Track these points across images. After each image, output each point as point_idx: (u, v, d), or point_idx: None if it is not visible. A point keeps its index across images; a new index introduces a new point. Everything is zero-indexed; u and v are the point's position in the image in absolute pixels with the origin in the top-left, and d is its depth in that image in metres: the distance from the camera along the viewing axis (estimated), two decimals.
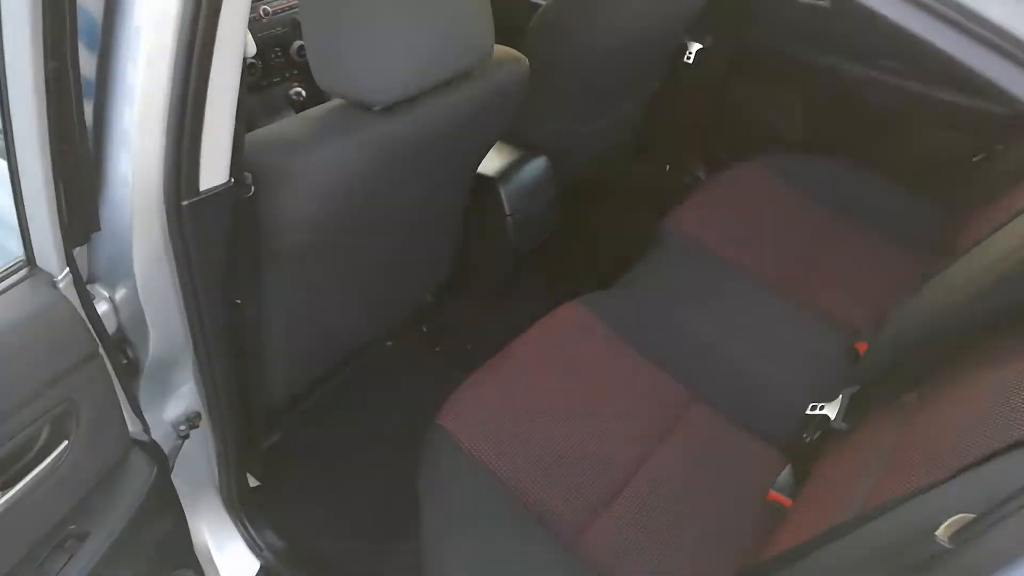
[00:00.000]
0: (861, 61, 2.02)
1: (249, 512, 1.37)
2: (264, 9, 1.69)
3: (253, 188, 1.06)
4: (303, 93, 1.76)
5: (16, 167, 0.81)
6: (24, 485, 0.84)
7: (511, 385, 1.40)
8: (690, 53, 2.09)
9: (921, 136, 2.03)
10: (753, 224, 1.85)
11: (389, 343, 1.93)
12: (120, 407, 0.98)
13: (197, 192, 0.94)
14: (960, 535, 0.57)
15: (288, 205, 1.11)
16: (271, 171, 1.08)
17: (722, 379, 1.49)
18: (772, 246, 1.80)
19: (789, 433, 1.37)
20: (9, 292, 0.82)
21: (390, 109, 1.12)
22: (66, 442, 0.88)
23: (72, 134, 0.81)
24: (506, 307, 1.98)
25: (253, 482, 1.46)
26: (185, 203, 0.93)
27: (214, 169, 0.95)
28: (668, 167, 2.40)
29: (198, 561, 1.24)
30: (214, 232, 1.02)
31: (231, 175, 0.99)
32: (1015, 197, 1.61)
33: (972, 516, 0.59)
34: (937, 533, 0.58)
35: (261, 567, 1.36)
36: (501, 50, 1.31)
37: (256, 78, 1.68)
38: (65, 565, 0.89)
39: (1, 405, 0.80)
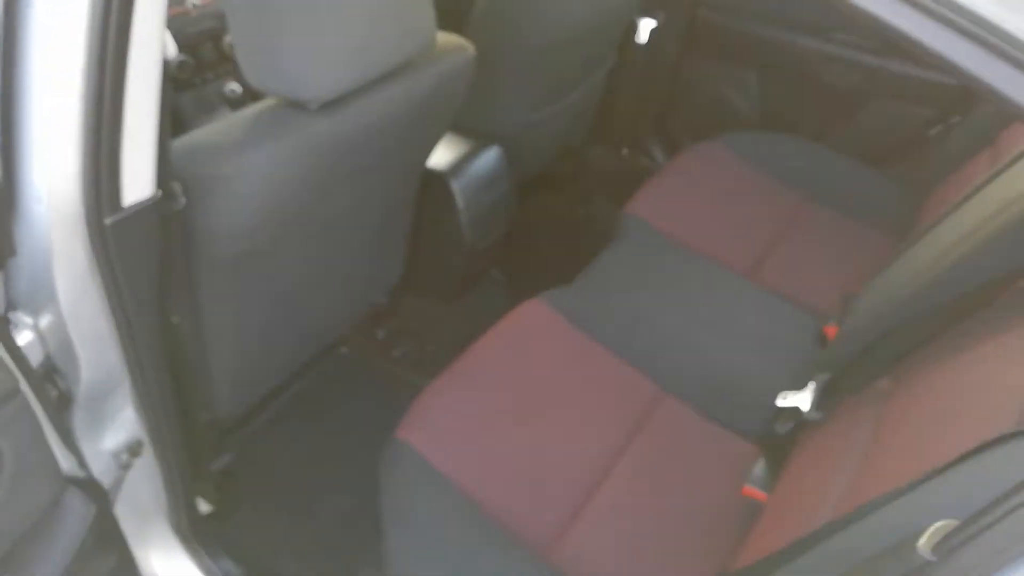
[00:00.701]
0: (815, 35, 1.99)
1: (203, 540, 1.30)
2: (192, 3, 1.59)
3: (184, 199, 0.98)
4: (238, 90, 1.66)
5: None
6: None
7: (473, 391, 1.34)
8: (642, 31, 2.04)
9: (878, 110, 2.01)
10: (714, 207, 1.82)
11: (344, 350, 1.86)
12: (49, 446, 0.90)
13: (120, 208, 0.86)
14: (943, 545, 0.53)
15: (223, 214, 1.03)
16: (202, 179, 1.00)
17: (691, 372, 1.45)
18: (735, 229, 1.76)
19: (761, 425, 1.34)
20: None
21: (327, 107, 1.05)
22: None
23: None
24: (465, 306, 1.91)
25: (205, 507, 1.38)
26: (108, 221, 0.85)
27: (138, 181, 0.88)
28: (625, 151, 2.35)
29: None
30: (143, 249, 0.94)
31: (158, 187, 0.91)
32: (974, 168, 1.60)
33: (955, 523, 0.55)
34: (919, 544, 0.54)
35: None
36: (444, 37, 1.23)
37: (188, 75, 1.58)
38: None
39: None
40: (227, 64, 1.68)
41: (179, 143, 1.01)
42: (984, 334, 0.97)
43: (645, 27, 2.04)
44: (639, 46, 2.07)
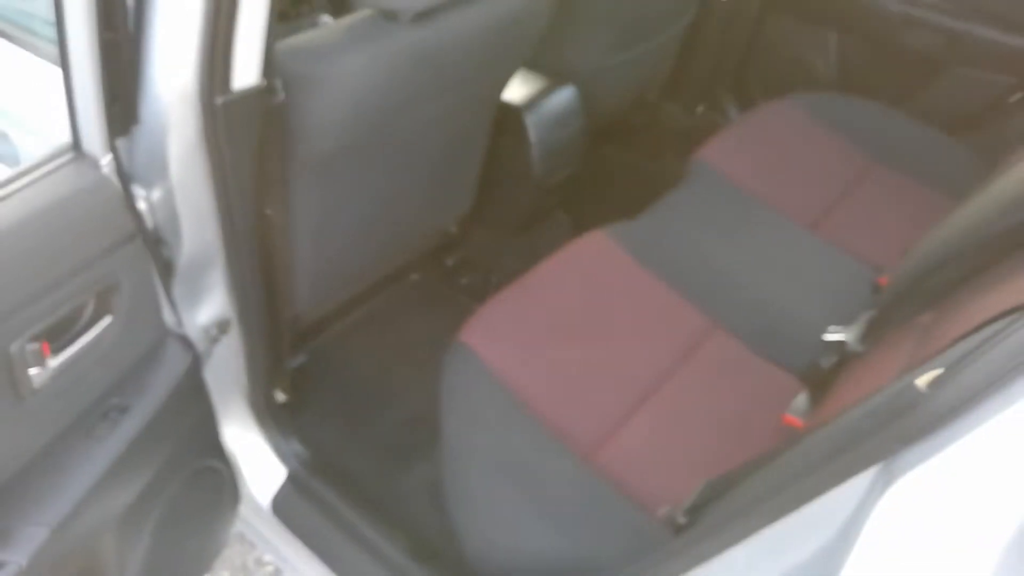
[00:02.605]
0: None
1: (275, 422, 1.42)
2: None
3: (283, 94, 1.08)
4: (330, 22, 1.77)
5: (67, 54, 0.85)
6: (73, 352, 0.90)
7: (533, 306, 1.42)
8: None
9: (958, 77, 1.99)
10: (783, 161, 1.84)
11: (415, 276, 1.97)
12: (157, 294, 1.03)
13: (229, 90, 0.97)
14: (935, 383, 0.65)
15: (317, 112, 1.13)
16: (301, 78, 1.10)
17: (744, 308, 1.50)
18: (801, 183, 1.79)
19: (808, 360, 1.38)
20: (56, 173, 0.87)
21: (416, 19, 1.14)
22: (110, 317, 0.94)
23: (116, 22, 0.84)
24: (530, 241, 1.99)
25: (281, 397, 1.51)
26: (219, 101, 0.96)
27: (246, 69, 0.98)
28: (701, 108, 2.38)
29: (227, 458, 1.29)
30: (246, 134, 1.05)
31: (263, 77, 1.01)
32: None
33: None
34: (916, 382, 0.63)
35: (288, 474, 1.41)
36: None
37: (285, 6, 1.69)
38: (110, 433, 0.95)
39: (50, 274, 0.85)
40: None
41: (282, 44, 1.11)
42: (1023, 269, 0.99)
43: None
44: (720, 3, 2.09)
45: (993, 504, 0.60)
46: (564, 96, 1.77)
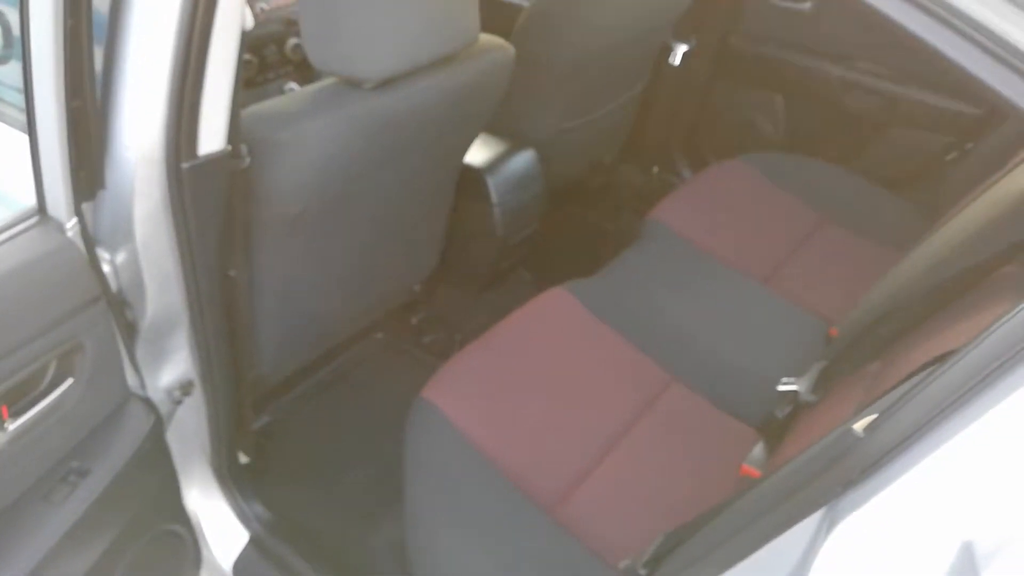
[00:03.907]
0: (840, 63, 2.09)
1: (239, 485, 1.41)
2: (261, 7, 1.75)
3: (248, 159, 1.11)
4: (297, 88, 1.82)
5: (34, 120, 0.87)
6: (33, 415, 0.90)
7: (495, 363, 1.44)
8: (675, 54, 2.16)
9: (897, 137, 2.10)
10: (735, 218, 1.91)
11: (379, 335, 1.98)
12: (120, 356, 1.03)
13: (195, 156, 1.00)
14: (870, 428, 0.69)
15: (281, 176, 1.16)
16: (265, 143, 1.13)
17: (700, 361, 1.53)
18: (754, 240, 1.85)
19: (763, 411, 1.42)
20: (22, 236, 0.89)
21: (380, 87, 1.18)
22: (71, 379, 0.94)
23: (83, 90, 0.87)
24: (494, 298, 2.03)
25: (244, 459, 1.50)
26: (185, 166, 0.99)
27: (212, 134, 1.01)
28: (655, 169, 2.46)
29: (189, 521, 1.28)
30: (211, 198, 1.07)
31: (228, 142, 1.05)
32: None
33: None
34: (854, 427, 0.67)
35: (250, 538, 1.40)
36: (487, 38, 1.37)
37: (252, 74, 1.74)
38: (68, 497, 0.94)
39: (12, 337, 0.86)
40: (288, 66, 1.84)
41: (247, 111, 1.15)
42: (963, 316, 1.05)
43: (678, 51, 2.17)
44: (672, 68, 2.19)
45: (927, 542, 0.63)
46: (524, 159, 1.83)
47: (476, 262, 1.92)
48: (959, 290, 1.11)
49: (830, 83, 2.12)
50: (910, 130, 2.07)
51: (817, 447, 0.73)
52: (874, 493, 0.66)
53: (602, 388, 1.45)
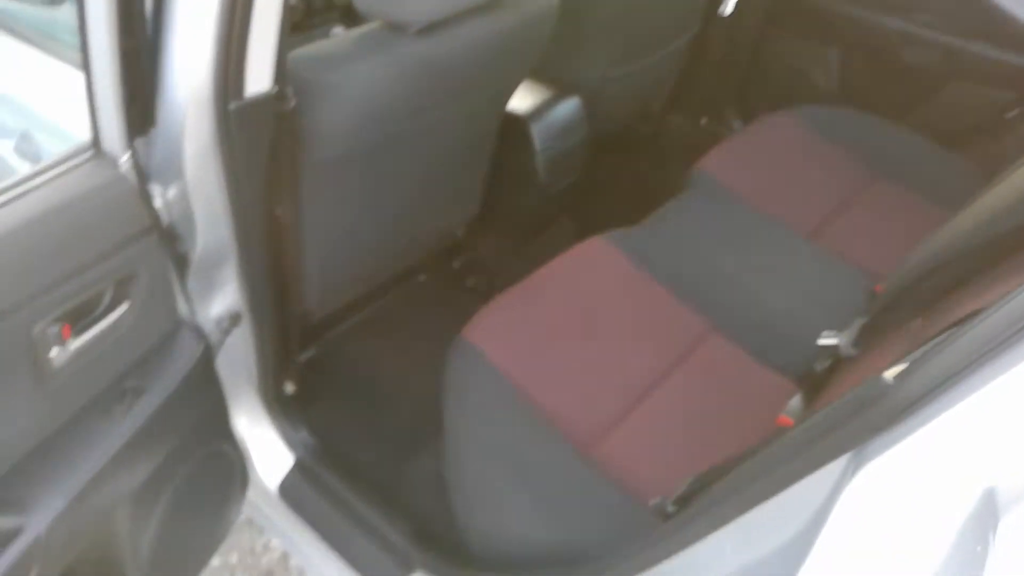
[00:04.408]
0: (898, 14, 2.02)
1: (284, 413, 1.47)
2: None
3: (294, 101, 1.13)
4: (342, 33, 1.83)
5: (89, 59, 0.90)
6: (93, 335, 0.95)
7: (534, 307, 1.47)
8: (727, 3, 2.11)
9: (956, 92, 2.03)
10: (783, 172, 1.88)
11: (422, 277, 2.02)
12: (172, 285, 1.08)
13: (242, 96, 1.02)
14: (900, 376, 0.70)
15: (326, 118, 1.19)
16: (311, 85, 1.15)
17: (741, 312, 1.53)
18: (801, 194, 1.83)
19: (802, 364, 1.42)
20: (78, 169, 0.92)
21: (424, 32, 1.19)
22: (127, 304, 0.99)
23: (135, 30, 0.90)
24: (536, 245, 2.04)
25: (290, 388, 1.55)
26: (232, 106, 1.01)
27: (259, 76, 1.03)
28: (704, 120, 2.42)
29: (237, 445, 1.34)
30: (257, 138, 1.10)
31: (275, 84, 1.07)
32: None
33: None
34: (884, 375, 0.67)
35: (295, 462, 1.46)
36: None
37: (298, 18, 1.75)
38: (125, 413, 1.01)
39: (71, 262, 0.90)
40: (334, 11, 1.85)
41: (293, 53, 1.16)
42: (1011, 275, 1.03)
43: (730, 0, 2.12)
44: (723, 18, 2.14)
45: (950, 486, 0.64)
46: (569, 107, 1.82)
47: (518, 209, 1.93)
48: (1010, 248, 1.09)
49: (887, 35, 2.05)
50: (969, 85, 2.00)
51: (849, 394, 0.74)
52: (900, 439, 0.67)
53: (640, 335, 1.47)
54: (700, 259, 1.64)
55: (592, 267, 1.57)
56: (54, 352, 0.91)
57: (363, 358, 1.81)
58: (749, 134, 2.01)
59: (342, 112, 1.20)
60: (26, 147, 1.42)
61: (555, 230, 2.12)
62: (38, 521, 0.91)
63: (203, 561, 1.36)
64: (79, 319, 0.95)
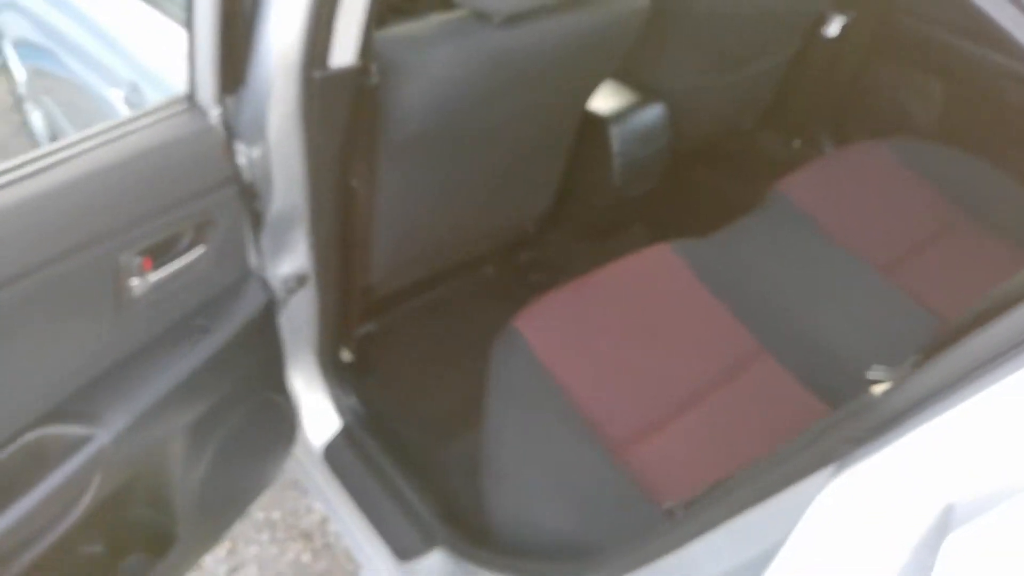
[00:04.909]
0: (1007, 54, 1.94)
1: (339, 377, 1.54)
2: None
3: (376, 78, 1.20)
4: None
5: (193, 19, 0.99)
6: (170, 271, 1.05)
7: (587, 305, 1.49)
8: (832, 25, 2.07)
9: None
10: (866, 202, 1.84)
11: (489, 269, 2.06)
12: (246, 237, 1.16)
13: (326, 67, 1.09)
14: (886, 392, 0.75)
15: (406, 96, 1.24)
16: (395, 64, 1.21)
17: (796, 338, 1.51)
18: (881, 227, 1.78)
19: (848, 395, 1.39)
20: (174, 117, 1.02)
21: (507, 22, 1.23)
22: (203, 247, 1.08)
23: None
24: (605, 248, 2.05)
25: (347, 357, 1.63)
26: (317, 75, 1.08)
27: (344, 49, 1.09)
28: (797, 142, 2.38)
29: (290, 399, 1.42)
30: (339, 110, 1.16)
31: (360, 58, 1.13)
32: None
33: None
34: (872, 389, 0.73)
35: (342, 427, 1.53)
36: None
37: (398, 2, 1.82)
38: (191, 348, 1.10)
39: (158, 201, 0.99)
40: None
41: (380, 34, 1.23)
42: None
43: (836, 22, 2.07)
44: (826, 39, 2.10)
45: (914, 499, 0.67)
46: (652, 113, 1.83)
47: (590, 209, 1.95)
48: None
49: (993, 72, 1.97)
50: None
51: (841, 408, 0.75)
52: (875, 452, 0.70)
53: (689, 346, 1.47)
54: (764, 279, 1.62)
55: (653, 273, 1.58)
56: (135, 282, 1.00)
57: (420, 340, 1.87)
58: (835, 160, 1.97)
59: (421, 92, 1.25)
60: (134, 98, 1.54)
61: (627, 236, 2.13)
62: (105, 433, 1.01)
63: (246, 503, 1.44)
64: (159, 256, 1.03)
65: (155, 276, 1.02)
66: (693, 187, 2.24)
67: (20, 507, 0.93)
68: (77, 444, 0.99)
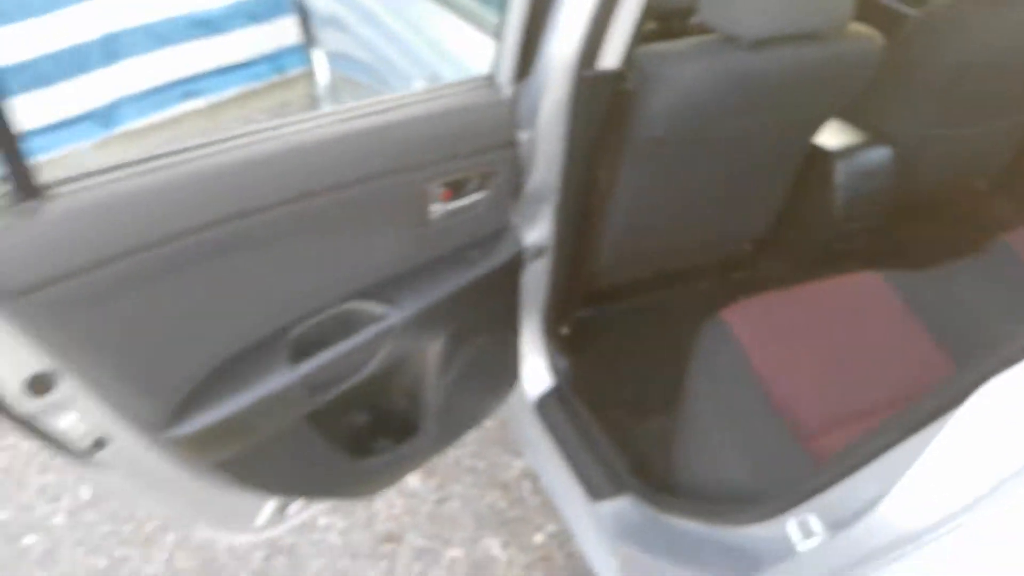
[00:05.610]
0: None
1: (557, 343, 1.77)
2: None
3: (632, 84, 1.43)
4: None
5: (505, 22, 1.27)
6: (459, 206, 1.33)
7: (794, 311, 1.60)
8: None
9: None
10: None
11: (703, 285, 2.22)
12: (512, 194, 1.43)
13: (593, 68, 1.33)
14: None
15: (655, 104, 1.47)
16: (650, 74, 1.45)
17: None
18: None
19: None
20: (476, 90, 1.29)
21: (752, 47, 1.43)
22: (486, 192, 1.35)
23: (538, 3, 1.25)
24: (817, 279, 2.13)
25: (564, 331, 1.85)
26: (584, 73, 1.33)
27: (610, 56, 1.33)
28: None
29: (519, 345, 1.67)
30: (597, 107, 1.39)
31: (622, 65, 1.37)
32: None
33: None
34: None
35: (554, 385, 1.76)
36: (858, 26, 1.54)
37: (650, 37, 2.04)
38: (463, 270, 1.39)
39: (457, 147, 1.26)
40: (684, 36, 2.13)
41: (642, 48, 1.47)
42: None
43: None
44: None
45: None
46: (878, 154, 1.92)
47: (808, 240, 2.05)
48: None
49: None
50: None
51: None
52: None
53: (892, 369, 1.51)
54: (980, 320, 1.62)
55: (861, 296, 1.66)
56: (434, 207, 1.29)
57: (628, 335, 2.07)
58: None
59: (669, 101, 1.48)
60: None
61: (840, 268, 2.19)
62: (396, 314, 1.31)
63: (474, 421, 1.70)
64: (456, 190, 1.31)
65: (449, 206, 1.31)
66: (915, 237, 2.25)
67: (332, 352, 1.25)
68: (376, 318, 1.29)
